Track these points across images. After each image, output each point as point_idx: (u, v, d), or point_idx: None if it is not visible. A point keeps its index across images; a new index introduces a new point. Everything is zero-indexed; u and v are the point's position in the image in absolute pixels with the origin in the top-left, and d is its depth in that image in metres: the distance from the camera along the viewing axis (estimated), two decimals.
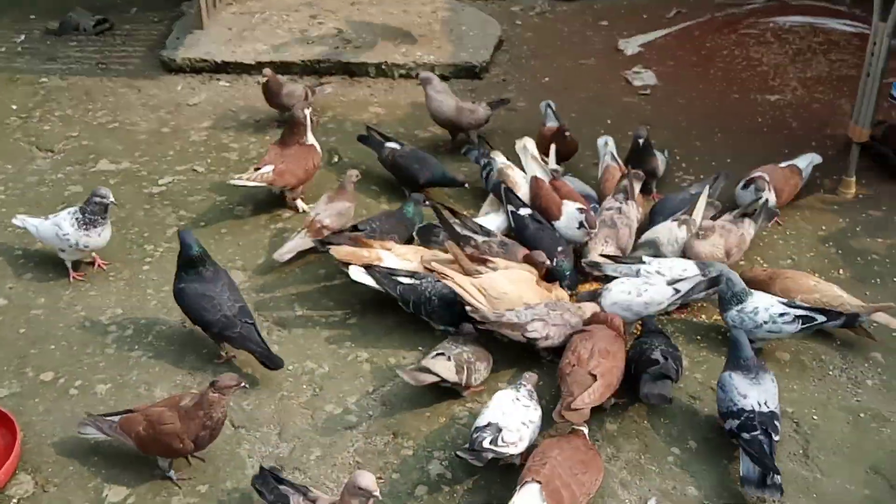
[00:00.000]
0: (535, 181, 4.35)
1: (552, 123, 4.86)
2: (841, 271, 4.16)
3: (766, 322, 3.55)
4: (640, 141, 4.47)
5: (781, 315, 3.55)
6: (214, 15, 6.30)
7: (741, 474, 3.14)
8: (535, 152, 4.48)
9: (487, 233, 4.06)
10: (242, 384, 3.22)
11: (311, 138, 4.57)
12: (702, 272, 3.77)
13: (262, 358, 3.57)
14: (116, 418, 3.27)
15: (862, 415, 3.47)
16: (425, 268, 3.74)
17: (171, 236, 4.45)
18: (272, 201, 4.65)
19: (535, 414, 3.25)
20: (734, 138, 5.20)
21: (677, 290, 3.67)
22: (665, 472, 3.25)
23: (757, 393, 3.22)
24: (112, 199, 4.02)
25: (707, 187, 4.29)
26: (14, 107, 5.60)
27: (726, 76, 5.83)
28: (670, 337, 3.65)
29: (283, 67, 5.82)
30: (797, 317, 3.53)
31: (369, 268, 3.79)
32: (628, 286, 3.72)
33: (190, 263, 3.66)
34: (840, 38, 6.17)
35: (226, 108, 5.53)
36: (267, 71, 5.11)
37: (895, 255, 4.26)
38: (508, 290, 3.64)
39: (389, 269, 3.84)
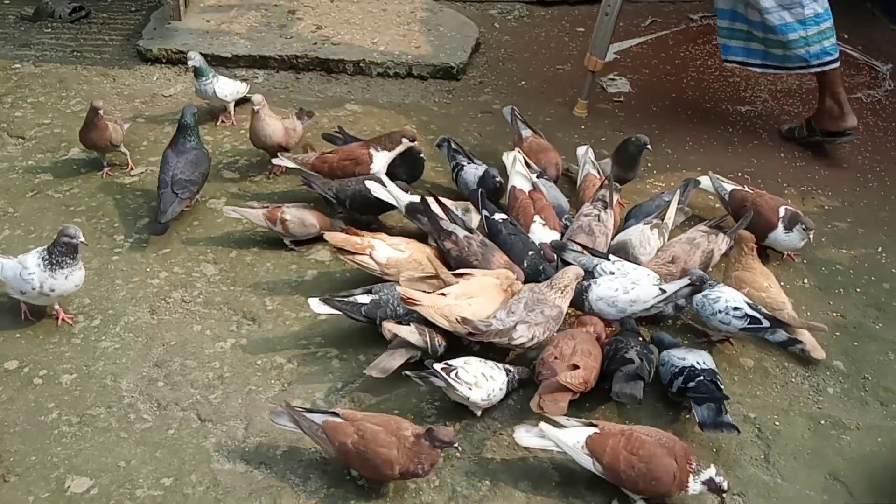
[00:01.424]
0: (513, 191, 4.32)
1: (526, 132, 4.81)
2: (805, 281, 4.24)
3: (720, 311, 3.65)
4: (648, 148, 4.49)
5: (736, 309, 3.64)
6: (192, 6, 6.26)
7: (697, 422, 3.32)
8: (521, 163, 4.43)
9: (470, 230, 4.07)
10: (457, 445, 3.09)
11: (376, 152, 4.45)
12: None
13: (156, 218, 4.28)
14: (319, 419, 3.17)
15: (823, 422, 3.54)
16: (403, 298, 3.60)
17: (142, 227, 4.42)
18: (246, 196, 4.64)
19: (499, 374, 3.40)
20: (705, 147, 5.27)
21: (663, 291, 3.70)
22: None
23: (694, 356, 3.50)
24: (82, 238, 3.66)
25: (678, 192, 4.35)
26: None
27: (699, 86, 5.91)
28: (645, 339, 3.70)
29: (261, 62, 5.81)
30: (747, 315, 3.62)
31: (327, 300, 3.69)
32: (616, 283, 3.76)
33: (178, 130, 4.47)
34: None
35: (201, 101, 5.48)
36: (98, 102, 4.61)
37: (858, 266, 4.35)
38: (468, 312, 3.59)
39: (345, 294, 3.76)
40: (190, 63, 5.03)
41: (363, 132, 5.14)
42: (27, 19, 6.35)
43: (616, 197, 4.31)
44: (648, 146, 4.49)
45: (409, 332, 3.53)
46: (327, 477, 3.25)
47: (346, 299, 3.71)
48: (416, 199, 4.16)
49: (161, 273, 4.13)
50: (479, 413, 3.43)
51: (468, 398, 3.35)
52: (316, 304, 3.69)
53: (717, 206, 4.66)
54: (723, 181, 4.52)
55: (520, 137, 4.79)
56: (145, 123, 5.25)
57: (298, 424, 3.18)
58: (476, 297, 3.65)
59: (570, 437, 3.15)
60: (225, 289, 4.05)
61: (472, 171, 4.50)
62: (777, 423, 3.52)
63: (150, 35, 5.98)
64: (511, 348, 3.59)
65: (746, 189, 4.45)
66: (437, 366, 3.33)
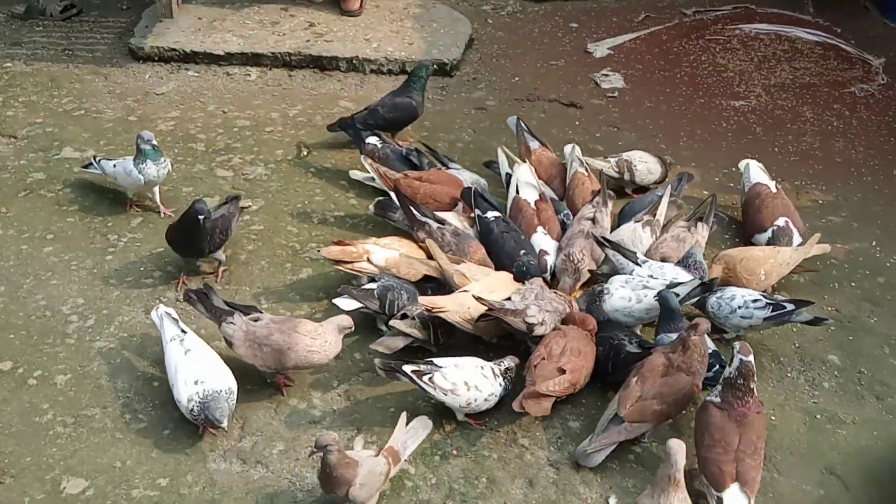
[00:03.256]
0: (516, 201, 4.26)
1: (534, 143, 4.70)
2: (800, 275, 4.24)
3: (740, 307, 3.65)
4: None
5: (755, 301, 3.65)
6: (184, 4, 6.23)
7: None
8: (529, 176, 4.37)
9: (441, 221, 4.10)
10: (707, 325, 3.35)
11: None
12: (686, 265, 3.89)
13: None
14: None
15: (818, 416, 3.55)
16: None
17: (136, 226, 4.41)
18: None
19: (488, 384, 3.35)
20: (699, 142, 5.27)
21: (676, 295, 3.65)
22: (626, 471, 3.30)
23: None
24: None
25: (669, 188, 4.35)
26: None
27: (692, 81, 5.90)
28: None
29: (254, 59, 5.79)
30: (769, 304, 3.63)
31: (345, 290, 3.74)
32: (628, 292, 3.72)
33: (409, 78, 4.95)
34: (804, 47, 6.28)
35: (194, 99, 5.47)
36: None
37: (853, 261, 4.35)
38: (494, 299, 3.64)
39: (356, 279, 3.83)
40: (145, 145, 4.27)
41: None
42: (18, 17, 6.31)
43: (611, 201, 4.28)
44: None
45: (413, 330, 3.57)
46: None
47: (358, 287, 3.76)
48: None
49: (155, 272, 4.11)
50: (460, 417, 3.42)
51: (445, 402, 3.35)
52: (342, 302, 3.69)
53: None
54: (759, 172, 4.50)
55: (528, 149, 4.68)
56: (138, 122, 5.23)
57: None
58: (497, 291, 3.69)
59: None
60: (219, 287, 4.03)
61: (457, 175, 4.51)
62: (773, 417, 3.52)
63: (142, 33, 5.94)
64: (526, 333, 3.57)
65: (772, 187, 4.41)
66: (408, 368, 3.31)
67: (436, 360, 3.39)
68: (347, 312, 3.64)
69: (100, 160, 4.48)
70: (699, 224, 4.13)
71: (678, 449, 2.90)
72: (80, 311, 3.90)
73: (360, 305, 3.71)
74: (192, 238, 3.94)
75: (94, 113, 5.31)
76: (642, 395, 3.26)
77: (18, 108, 5.35)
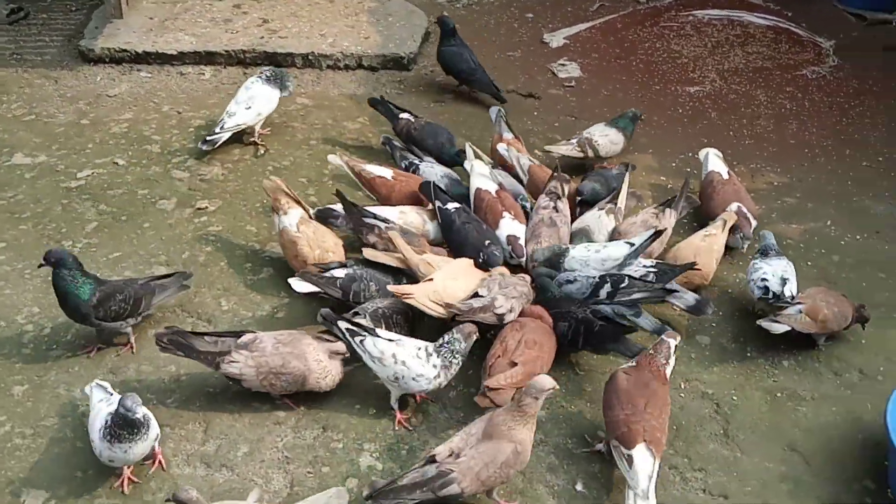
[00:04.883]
0: (478, 192, 4.27)
1: (508, 135, 4.75)
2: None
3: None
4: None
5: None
6: (134, 3, 6.13)
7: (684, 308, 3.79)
8: (485, 169, 4.42)
9: (386, 220, 4.07)
10: None
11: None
12: None
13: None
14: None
15: (778, 394, 3.60)
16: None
17: (90, 231, 4.33)
18: (196, 195, 4.57)
19: (419, 364, 3.31)
20: (655, 129, 5.31)
21: (631, 244, 3.85)
22: (591, 456, 3.32)
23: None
24: (140, 415, 3.05)
25: (627, 174, 4.38)
26: None
27: (648, 68, 5.95)
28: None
29: (208, 58, 5.72)
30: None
31: (305, 277, 3.76)
32: (586, 251, 3.90)
33: (448, 34, 5.42)
34: (756, 31, 6.36)
35: (147, 100, 5.39)
36: None
37: (808, 240, 4.42)
38: (459, 287, 3.68)
39: (323, 265, 3.83)
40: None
41: (315, 125, 5.11)
42: None
43: (566, 190, 4.31)
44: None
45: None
46: (289, 476, 3.22)
47: (322, 274, 3.75)
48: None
49: (112, 277, 4.04)
50: (392, 401, 3.41)
51: (376, 373, 3.37)
52: (297, 284, 3.72)
53: (670, 186, 4.71)
54: (716, 161, 4.52)
55: (500, 138, 4.73)
56: (90, 125, 5.14)
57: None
58: (460, 279, 3.71)
59: None
60: (177, 309, 3.97)
61: (429, 170, 4.50)
62: (735, 397, 3.57)
63: (91, 34, 5.84)
64: (498, 323, 3.58)
65: (725, 174, 4.44)
66: (343, 324, 3.37)
67: (379, 331, 3.39)
68: (303, 294, 3.75)
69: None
70: (667, 210, 4.17)
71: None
72: (35, 319, 3.83)
73: (317, 290, 3.71)
74: (63, 302, 3.53)
75: (45, 117, 5.21)
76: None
77: None
